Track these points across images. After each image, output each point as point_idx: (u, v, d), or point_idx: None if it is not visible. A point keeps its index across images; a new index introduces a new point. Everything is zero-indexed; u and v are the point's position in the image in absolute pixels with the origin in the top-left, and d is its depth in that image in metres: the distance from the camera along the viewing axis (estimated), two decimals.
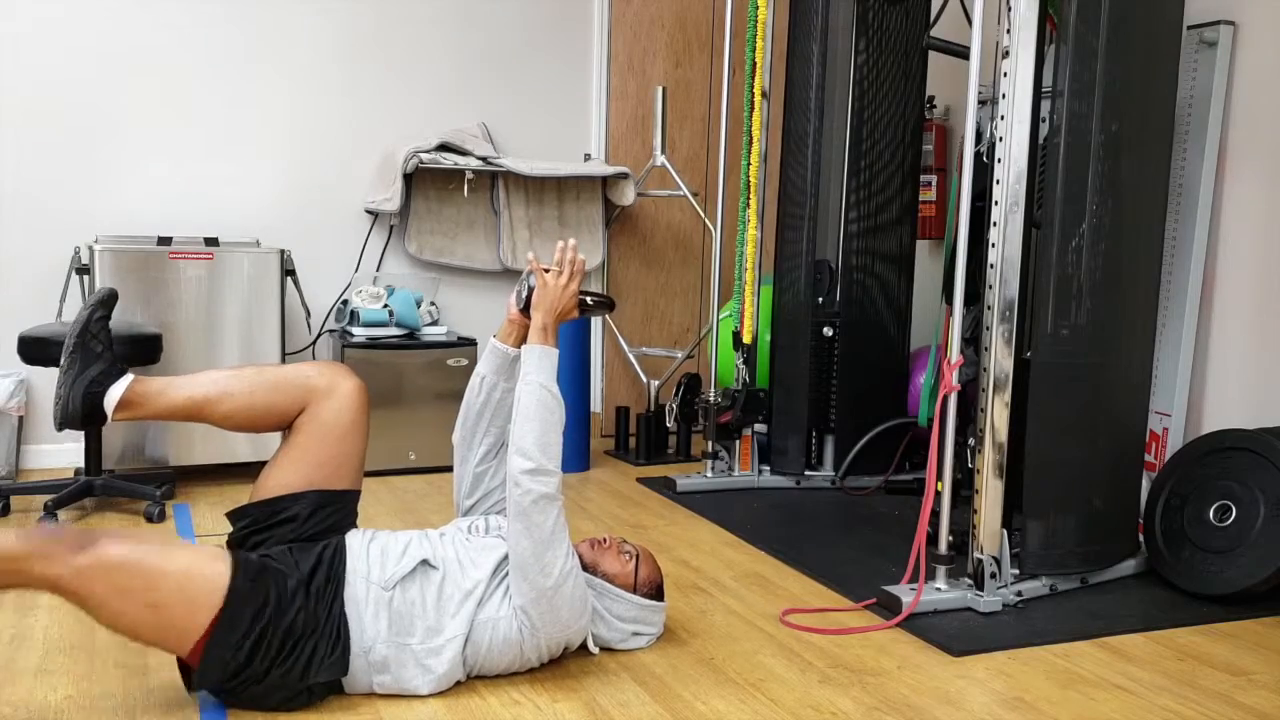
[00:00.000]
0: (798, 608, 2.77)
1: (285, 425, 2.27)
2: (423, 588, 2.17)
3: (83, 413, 2.14)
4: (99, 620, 1.98)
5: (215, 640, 1.99)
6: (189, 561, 2.03)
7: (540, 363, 2.27)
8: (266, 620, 2.02)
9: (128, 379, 2.18)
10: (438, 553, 2.23)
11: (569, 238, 2.51)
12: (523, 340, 2.36)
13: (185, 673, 2.11)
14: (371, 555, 2.18)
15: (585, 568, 2.35)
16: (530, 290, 2.38)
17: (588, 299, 2.44)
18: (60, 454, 4.09)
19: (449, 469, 4.16)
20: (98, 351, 2.16)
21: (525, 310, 2.40)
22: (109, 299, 2.23)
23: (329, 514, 2.23)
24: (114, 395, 2.15)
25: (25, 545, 1.92)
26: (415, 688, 2.15)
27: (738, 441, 4.05)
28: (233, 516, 2.26)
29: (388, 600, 2.13)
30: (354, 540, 2.21)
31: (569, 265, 2.37)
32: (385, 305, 4.22)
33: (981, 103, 2.80)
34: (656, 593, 2.46)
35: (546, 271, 2.37)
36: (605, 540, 2.44)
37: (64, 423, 2.15)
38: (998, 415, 2.78)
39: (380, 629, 2.12)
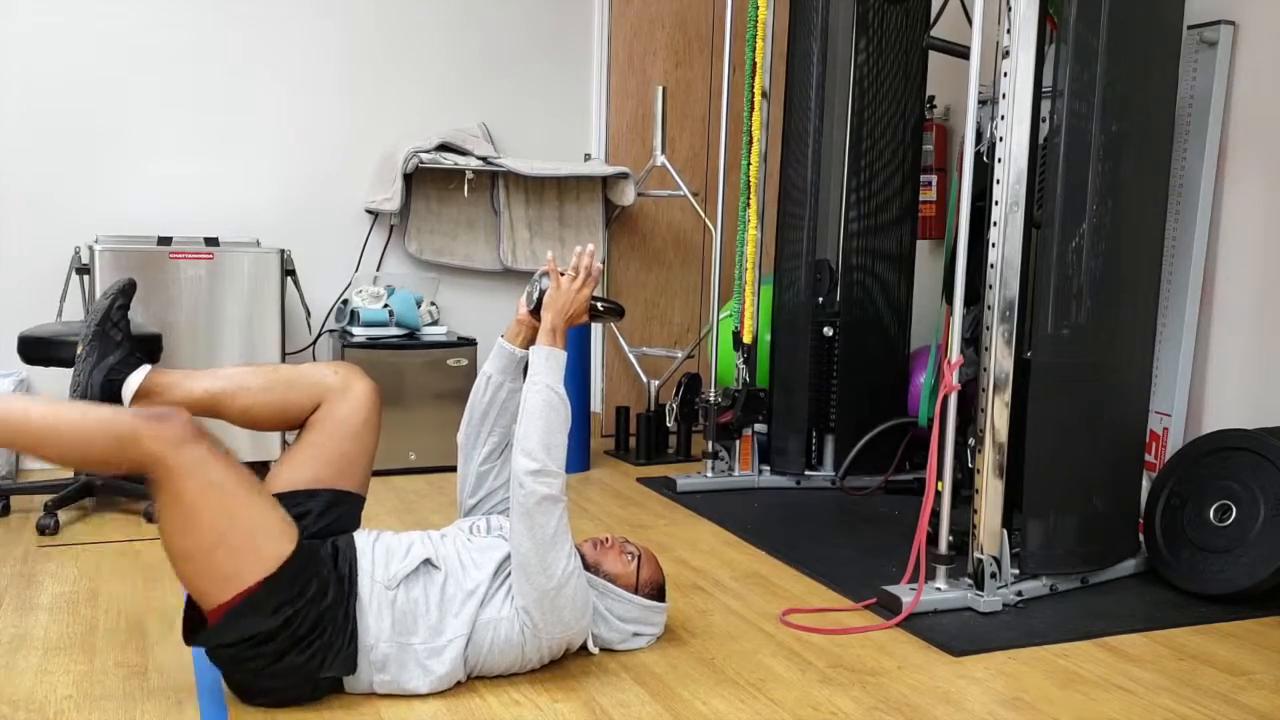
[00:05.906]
0: (798, 608, 2.77)
1: (299, 424, 2.28)
2: (425, 587, 2.17)
3: (100, 401, 2.14)
4: (164, 522, 1.96)
5: (256, 599, 1.98)
6: (268, 511, 2.04)
7: (548, 364, 2.28)
8: (306, 601, 2.03)
9: (145, 369, 2.19)
10: (440, 552, 2.23)
11: (587, 243, 2.52)
12: (530, 341, 2.37)
13: (190, 626, 2.10)
14: (377, 554, 2.18)
15: (587, 568, 2.35)
16: (542, 292, 2.39)
17: (598, 305, 2.45)
18: None
19: (449, 469, 4.20)
20: (117, 340, 2.18)
21: (535, 312, 2.40)
22: (129, 288, 2.24)
23: (339, 513, 2.24)
24: (132, 385, 2.17)
25: (138, 425, 1.91)
26: (415, 688, 2.15)
27: (738, 441, 4.05)
28: None
29: (391, 599, 2.13)
30: (361, 539, 2.21)
31: (584, 270, 2.38)
32: (385, 305, 4.22)
33: (981, 103, 2.80)
34: (658, 594, 2.46)
35: (562, 274, 2.38)
36: (608, 540, 2.44)
37: None
38: (998, 415, 2.78)
39: (383, 628, 2.12)
